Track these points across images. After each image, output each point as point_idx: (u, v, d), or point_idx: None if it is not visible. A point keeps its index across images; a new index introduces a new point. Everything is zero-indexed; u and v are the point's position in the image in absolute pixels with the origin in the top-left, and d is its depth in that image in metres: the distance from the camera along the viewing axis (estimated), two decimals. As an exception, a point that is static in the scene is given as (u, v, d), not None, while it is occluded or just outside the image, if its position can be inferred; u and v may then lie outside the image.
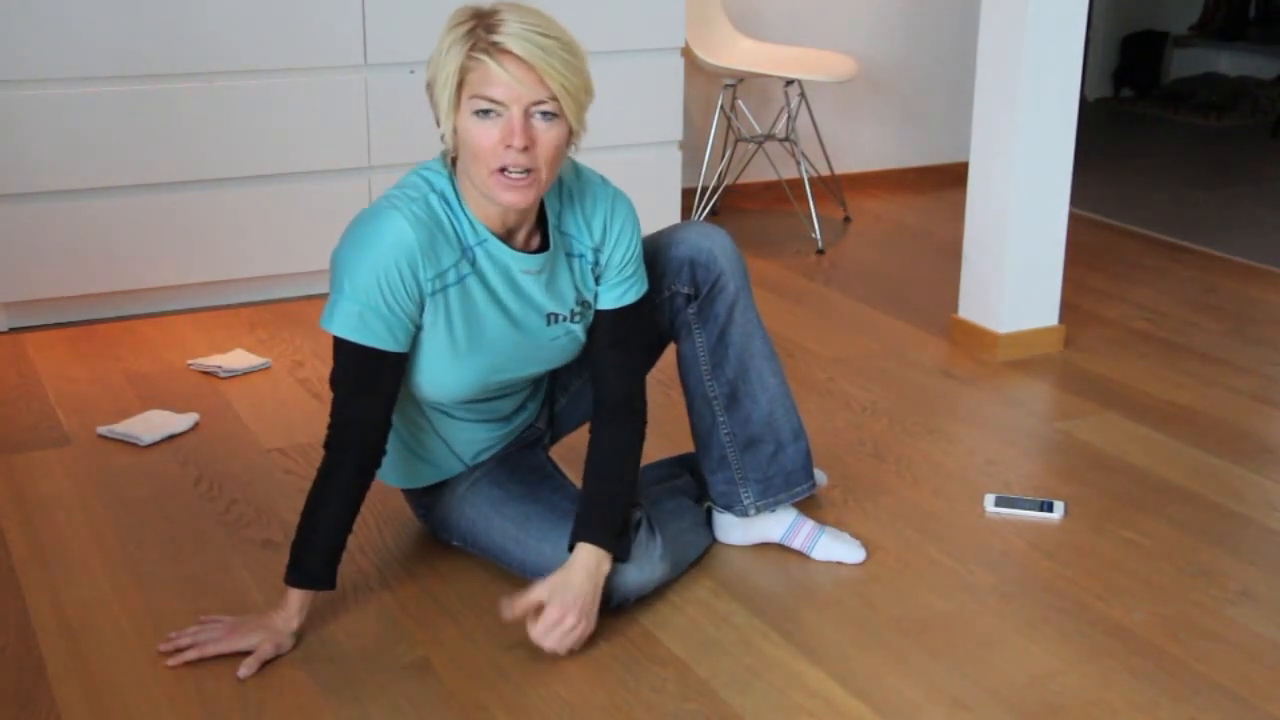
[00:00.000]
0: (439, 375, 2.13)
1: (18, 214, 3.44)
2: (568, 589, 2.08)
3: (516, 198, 1.99)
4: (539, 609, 2.06)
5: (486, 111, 1.95)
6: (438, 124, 2.02)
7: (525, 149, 1.95)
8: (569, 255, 2.17)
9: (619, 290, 2.21)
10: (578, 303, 2.19)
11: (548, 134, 1.98)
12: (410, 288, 2.03)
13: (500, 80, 1.93)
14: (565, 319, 2.18)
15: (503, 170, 1.97)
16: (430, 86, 2.01)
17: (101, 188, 3.50)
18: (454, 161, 2.07)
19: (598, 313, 2.22)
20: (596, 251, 2.18)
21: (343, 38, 3.64)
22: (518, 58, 1.93)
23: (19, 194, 3.43)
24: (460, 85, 1.96)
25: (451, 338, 2.10)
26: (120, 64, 3.43)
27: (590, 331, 2.24)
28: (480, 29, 1.95)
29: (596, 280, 2.20)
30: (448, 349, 2.11)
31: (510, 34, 1.93)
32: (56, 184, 3.45)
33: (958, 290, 3.54)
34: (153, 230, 3.57)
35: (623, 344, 2.24)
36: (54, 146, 3.42)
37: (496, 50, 1.93)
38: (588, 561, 2.11)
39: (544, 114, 1.96)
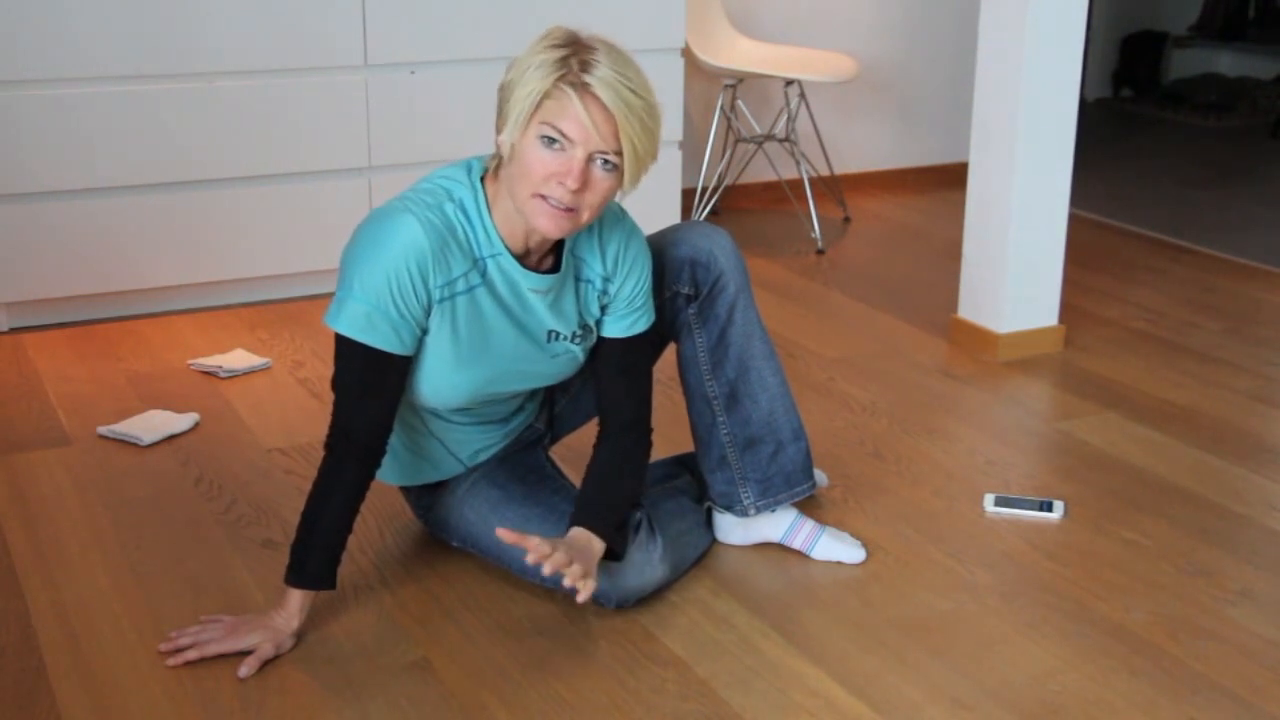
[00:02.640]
0: (436, 381, 2.13)
1: (18, 214, 3.44)
2: (568, 543, 2.07)
3: (550, 226, 1.99)
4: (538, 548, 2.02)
5: (553, 140, 1.94)
6: (497, 130, 2.01)
7: (577, 191, 1.95)
8: (578, 279, 2.17)
9: (628, 320, 2.21)
10: (580, 325, 2.19)
11: (602, 182, 1.97)
12: (420, 292, 2.03)
13: (578, 120, 1.92)
14: (566, 339, 2.18)
15: (544, 197, 1.97)
16: (504, 90, 1.99)
17: (101, 188, 3.50)
18: (496, 168, 2.06)
19: (607, 340, 2.22)
20: (606, 280, 2.18)
21: (343, 38, 3.64)
22: (602, 105, 1.92)
23: (19, 194, 3.43)
24: (537, 108, 1.94)
25: (454, 347, 2.10)
26: (120, 64, 3.43)
27: (598, 357, 2.24)
28: (575, 60, 1.93)
29: (603, 309, 2.20)
30: (449, 357, 2.10)
31: (602, 79, 1.92)
32: (56, 184, 3.45)
33: (958, 290, 3.54)
34: (153, 230, 3.57)
35: (631, 370, 2.24)
36: (54, 146, 3.42)
37: (584, 90, 1.92)
38: (579, 535, 2.11)
39: (605, 163, 1.96)
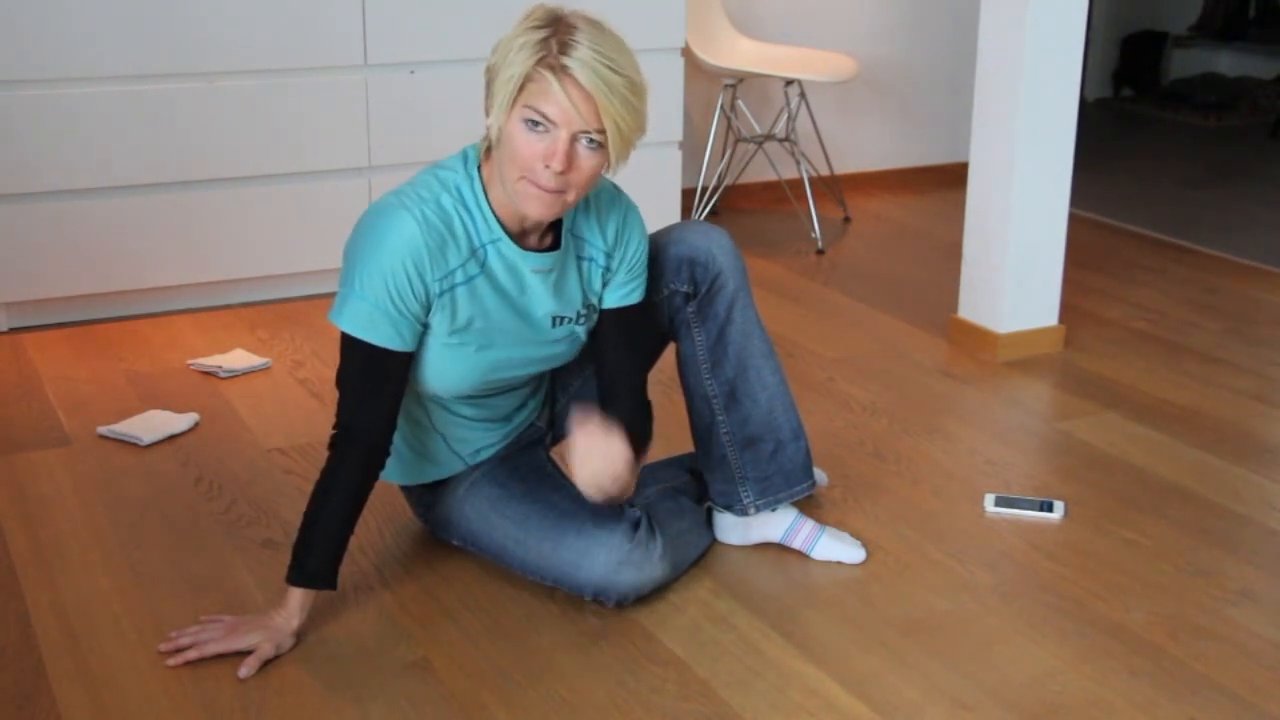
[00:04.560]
0: (441, 369, 2.14)
1: (18, 214, 3.44)
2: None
3: (539, 209, 2.00)
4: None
5: (536, 123, 1.95)
6: (486, 113, 2.02)
7: (562, 172, 1.96)
8: (579, 258, 2.18)
9: (623, 290, 2.22)
10: (584, 305, 2.20)
11: (588, 161, 1.98)
12: (417, 289, 2.03)
13: (558, 102, 1.93)
14: (570, 321, 2.19)
15: (531, 181, 1.98)
16: (491, 73, 2.00)
17: (101, 188, 3.50)
18: (488, 151, 2.07)
19: (604, 312, 2.23)
20: (609, 256, 2.19)
21: (343, 38, 3.64)
22: (580, 86, 1.93)
23: (19, 194, 3.43)
24: (519, 91, 1.95)
25: (458, 335, 2.11)
26: (120, 64, 3.43)
27: (595, 333, 2.25)
28: (554, 41, 1.94)
29: (604, 284, 2.21)
30: (453, 346, 2.11)
31: (580, 60, 1.92)
32: (56, 184, 3.45)
33: (958, 290, 3.54)
34: (153, 230, 3.57)
35: (631, 338, 2.26)
36: (54, 146, 3.42)
37: (562, 72, 1.92)
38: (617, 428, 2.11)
39: (590, 142, 1.97)
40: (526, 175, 1.97)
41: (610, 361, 2.26)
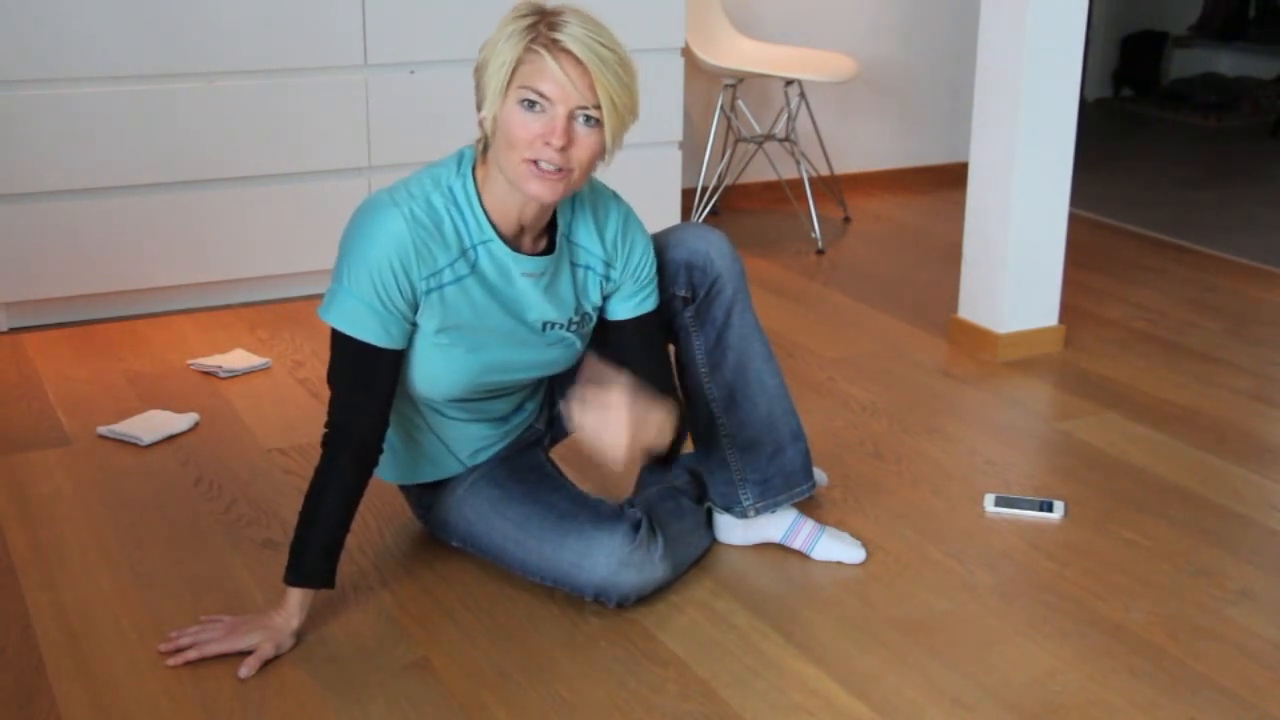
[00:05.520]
0: (431, 371, 2.13)
1: (18, 214, 3.44)
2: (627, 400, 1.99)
3: (543, 189, 1.99)
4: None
5: (533, 104, 1.96)
6: (478, 109, 2.03)
7: (562, 149, 1.96)
8: (574, 265, 2.17)
9: (636, 299, 2.22)
10: (577, 313, 2.19)
11: (587, 139, 1.99)
12: (404, 286, 2.04)
13: (554, 77, 1.94)
14: (562, 327, 2.18)
15: (535, 161, 1.98)
16: (479, 70, 2.01)
17: (101, 188, 3.50)
18: (483, 151, 2.07)
19: (619, 324, 2.23)
20: (608, 265, 2.18)
21: (343, 38, 3.64)
22: (575, 59, 1.94)
23: (19, 194, 3.43)
24: (512, 74, 1.96)
25: (446, 336, 2.10)
26: (120, 64, 3.43)
27: (616, 344, 2.24)
28: (543, 25, 1.96)
29: (606, 296, 2.20)
30: (442, 347, 2.11)
31: (571, 36, 1.94)
32: (56, 184, 3.45)
33: (958, 290, 3.54)
34: (153, 230, 3.57)
35: (651, 350, 2.25)
36: (54, 146, 3.42)
37: (556, 48, 1.94)
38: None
39: (587, 119, 1.97)
40: (526, 156, 1.98)
41: (638, 373, 2.24)
